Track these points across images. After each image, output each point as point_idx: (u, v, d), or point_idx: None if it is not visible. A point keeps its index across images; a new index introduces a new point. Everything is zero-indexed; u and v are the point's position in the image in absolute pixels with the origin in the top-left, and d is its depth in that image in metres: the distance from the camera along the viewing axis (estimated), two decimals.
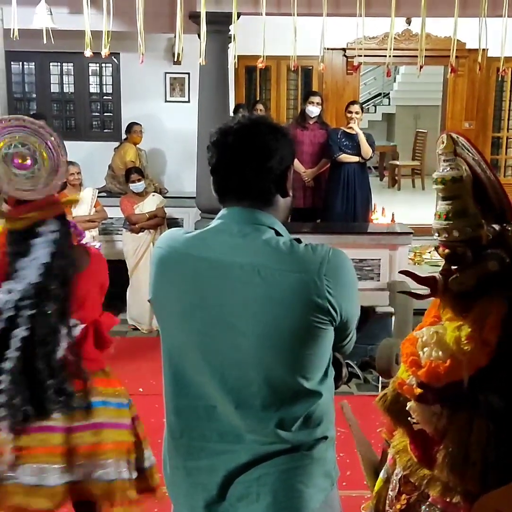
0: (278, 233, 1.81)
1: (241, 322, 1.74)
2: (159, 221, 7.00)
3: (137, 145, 8.38)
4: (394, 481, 2.37)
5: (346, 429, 2.76)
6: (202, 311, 1.78)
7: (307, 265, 1.72)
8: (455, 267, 2.26)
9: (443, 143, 2.25)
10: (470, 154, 2.22)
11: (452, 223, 2.23)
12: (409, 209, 11.41)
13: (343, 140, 7.21)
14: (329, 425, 1.87)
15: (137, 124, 8.44)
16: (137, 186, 6.90)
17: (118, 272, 7.28)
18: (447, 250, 2.28)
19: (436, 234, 2.29)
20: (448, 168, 2.24)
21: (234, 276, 1.74)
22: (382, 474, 2.51)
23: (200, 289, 1.78)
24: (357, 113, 7.19)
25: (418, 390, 2.23)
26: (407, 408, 2.30)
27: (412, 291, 2.77)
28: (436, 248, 2.37)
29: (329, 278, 1.72)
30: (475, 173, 2.23)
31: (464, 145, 2.23)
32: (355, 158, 7.19)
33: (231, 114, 7.61)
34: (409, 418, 2.31)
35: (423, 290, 2.33)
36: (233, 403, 1.78)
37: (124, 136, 8.55)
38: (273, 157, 1.80)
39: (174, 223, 7.49)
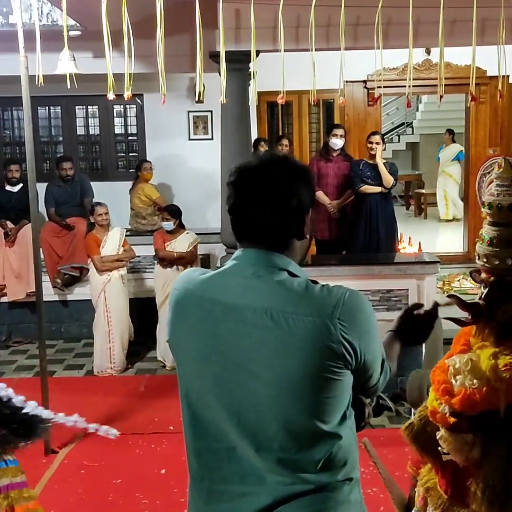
0: (292, 274, 1.77)
1: (255, 366, 1.71)
2: (189, 259, 7.03)
3: (148, 182, 8.42)
4: None
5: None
6: (218, 355, 1.75)
7: (321, 308, 1.68)
8: (499, 294, 2.16)
9: (500, 167, 2.17)
10: None
11: (503, 251, 2.14)
12: (436, 237, 11.36)
13: (365, 171, 7.21)
14: (353, 467, 1.81)
15: (146, 161, 8.55)
16: (165, 224, 7.00)
17: (148, 309, 7.32)
18: (492, 277, 2.18)
19: (484, 260, 2.19)
20: (504, 194, 2.15)
21: (247, 319, 1.71)
22: None
23: (214, 333, 1.76)
24: (377, 143, 7.19)
25: (452, 419, 2.14)
26: (437, 437, 2.22)
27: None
28: (475, 272, 2.26)
29: (344, 321, 1.67)
30: None
31: None
32: (377, 189, 7.16)
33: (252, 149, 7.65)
34: (438, 448, 2.24)
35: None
36: (252, 446, 1.75)
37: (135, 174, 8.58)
38: (292, 200, 1.75)
39: (200, 259, 7.53)
